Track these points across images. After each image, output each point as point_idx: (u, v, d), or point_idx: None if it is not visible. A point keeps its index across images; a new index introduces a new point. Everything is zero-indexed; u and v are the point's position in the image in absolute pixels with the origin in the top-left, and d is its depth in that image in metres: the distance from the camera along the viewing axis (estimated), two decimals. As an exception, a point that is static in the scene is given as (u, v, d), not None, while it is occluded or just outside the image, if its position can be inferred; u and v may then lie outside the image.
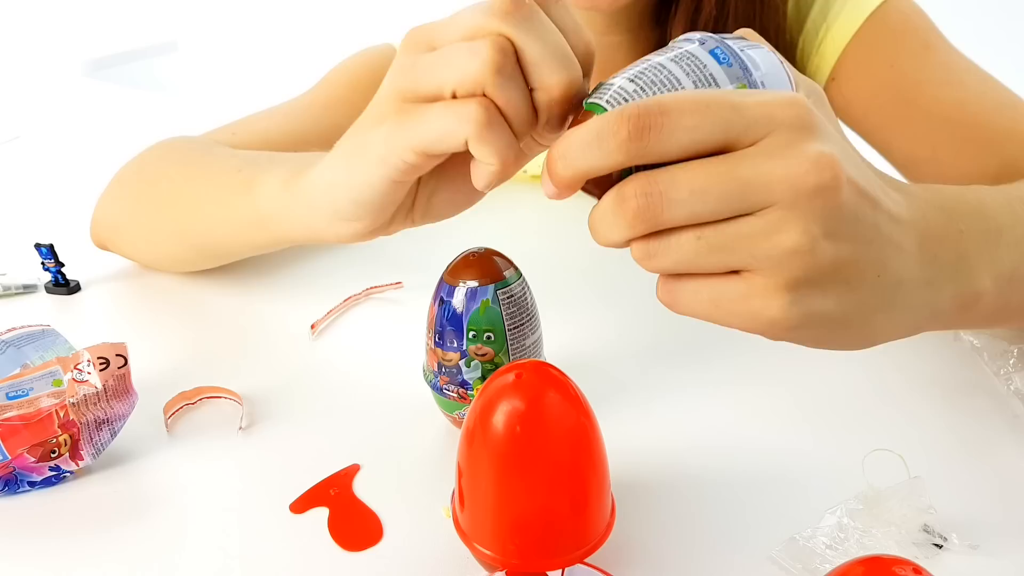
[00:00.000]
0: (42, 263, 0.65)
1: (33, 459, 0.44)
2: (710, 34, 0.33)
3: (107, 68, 1.98)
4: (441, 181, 0.42)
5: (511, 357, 0.44)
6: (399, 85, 0.37)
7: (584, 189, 0.33)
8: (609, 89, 0.32)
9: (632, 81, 0.32)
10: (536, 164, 0.81)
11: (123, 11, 2.49)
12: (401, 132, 0.37)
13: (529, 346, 0.45)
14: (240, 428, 0.50)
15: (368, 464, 0.47)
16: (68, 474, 0.45)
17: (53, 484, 0.45)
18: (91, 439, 0.45)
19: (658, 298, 0.33)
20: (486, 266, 0.44)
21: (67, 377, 0.45)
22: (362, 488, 0.45)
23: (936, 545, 0.39)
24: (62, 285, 0.65)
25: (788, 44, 0.67)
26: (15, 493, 0.45)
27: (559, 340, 0.52)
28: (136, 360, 0.47)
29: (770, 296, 0.30)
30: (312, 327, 0.59)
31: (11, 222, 0.81)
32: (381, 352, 0.57)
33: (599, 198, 0.32)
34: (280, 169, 0.49)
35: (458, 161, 0.40)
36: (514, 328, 0.44)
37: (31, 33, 2.08)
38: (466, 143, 0.34)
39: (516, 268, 0.45)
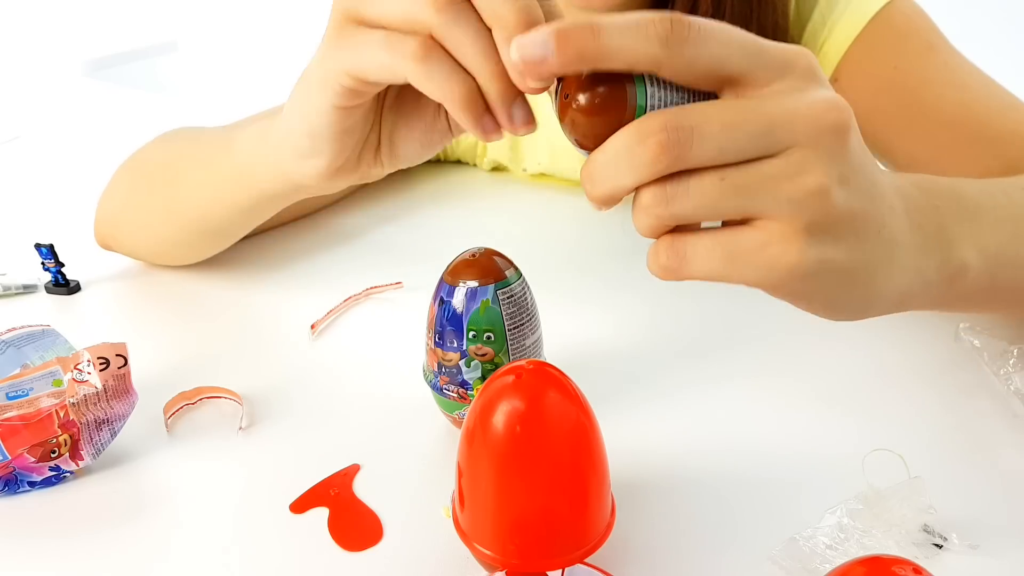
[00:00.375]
0: (42, 263, 0.65)
1: (33, 459, 0.44)
2: None
3: (107, 68, 1.98)
4: (400, 116, 0.42)
5: (511, 357, 0.44)
6: (345, 4, 0.36)
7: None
8: None
9: None
10: (536, 164, 0.81)
11: (123, 11, 2.49)
12: (337, 54, 0.36)
13: (529, 346, 0.45)
14: (240, 428, 0.50)
15: (368, 464, 0.47)
16: (68, 474, 0.45)
17: (53, 484, 0.45)
18: (91, 439, 0.45)
19: (656, 265, 0.32)
20: (486, 266, 0.44)
21: (67, 377, 0.45)
22: (362, 488, 0.45)
23: (936, 545, 0.39)
24: (62, 285, 0.65)
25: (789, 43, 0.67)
26: (15, 493, 0.45)
27: (559, 340, 0.52)
28: (136, 360, 0.47)
29: (788, 241, 0.30)
30: (312, 327, 0.59)
31: (11, 222, 0.81)
32: (381, 352, 0.57)
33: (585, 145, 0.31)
34: (259, 122, 0.48)
35: (415, 95, 0.39)
36: (514, 328, 0.44)
37: (31, 33, 2.08)
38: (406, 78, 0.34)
39: (516, 268, 0.45)
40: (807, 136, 0.29)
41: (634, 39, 0.28)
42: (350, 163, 0.42)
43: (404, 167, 0.44)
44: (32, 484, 0.45)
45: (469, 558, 0.38)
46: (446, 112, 0.41)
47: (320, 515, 0.43)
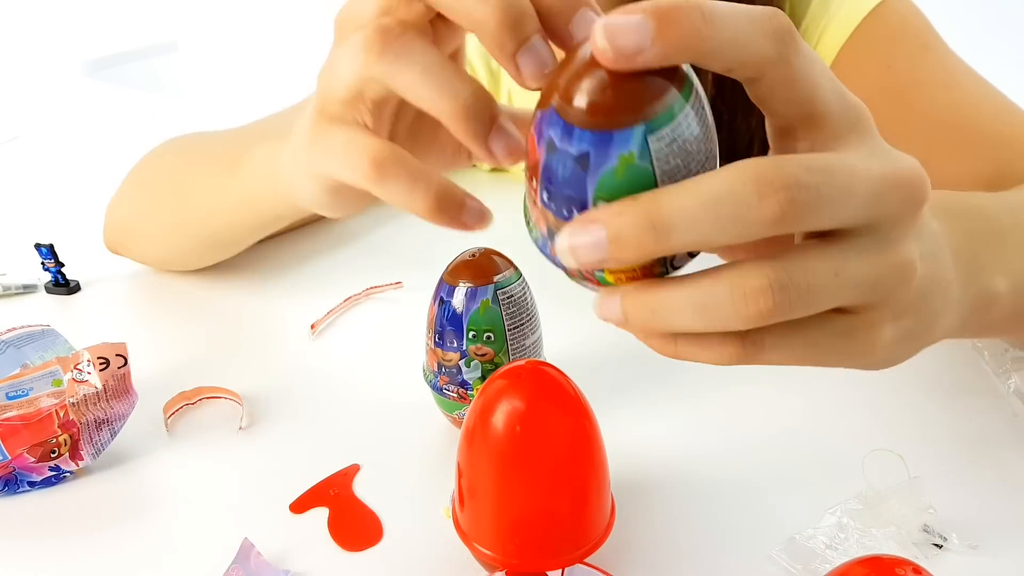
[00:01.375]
0: (42, 263, 0.65)
1: (33, 459, 0.44)
2: None
3: (107, 68, 1.98)
4: (417, 145, 0.39)
5: (511, 357, 0.44)
6: (318, 101, 0.33)
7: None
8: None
9: None
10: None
11: (123, 11, 2.49)
12: (311, 157, 0.34)
13: (529, 346, 0.45)
14: (240, 428, 0.50)
15: (368, 464, 0.47)
16: (68, 474, 0.45)
17: (53, 484, 0.45)
18: (91, 439, 0.45)
19: (723, 355, 0.27)
20: (486, 266, 0.44)
21: (67, 377, 0.45)
22: (362, 488, 0.45)
23: (936, 545, 0.39)
24: (62, 285, 0.65)
25: None
26: (15, 493, 0.45)
27: (559, 340, 0.52)
28: (136, 360, 0.47)
29: (875, 326, 0.28)
30: (312, 327, 0.59)
31: (11, 222, 0.81)
32: (381, 352, 0.57)
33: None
34: (267, 144, 0.46)
35: (431, 126, 0.37)
36: (514, 328, 0.44)
37: (31, 33, 2.08)
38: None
39: (516, 268, 0.45)
40: (899, 212, 0.26)
41: (749, 33, 0.24)
42: (366, 198, 0.38)
43: None
44: (32, 484, 0.45)
45: (469, 558, 0.38)
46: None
47: (320, 515, 0.43)
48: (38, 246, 0.64)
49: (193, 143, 0.64)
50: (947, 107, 0.61)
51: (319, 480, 0.45)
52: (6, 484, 0.45)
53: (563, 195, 0.26)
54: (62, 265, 0.65)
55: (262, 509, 0.44)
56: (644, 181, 0.25)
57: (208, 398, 0.52)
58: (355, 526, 0.42)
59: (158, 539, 0.42)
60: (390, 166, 0.30)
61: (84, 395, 0.44)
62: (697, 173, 0.25)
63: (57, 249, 0.65)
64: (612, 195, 0.25)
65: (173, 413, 0.51)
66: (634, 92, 0.24)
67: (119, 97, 1.27)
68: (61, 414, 0.43)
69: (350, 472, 0.46)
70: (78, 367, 0.45)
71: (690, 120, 0.25)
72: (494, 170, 0.86)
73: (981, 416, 0.49)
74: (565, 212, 0.26)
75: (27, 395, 0.45)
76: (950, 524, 0.40)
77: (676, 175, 0.25)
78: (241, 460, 0.47)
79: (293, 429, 0.50)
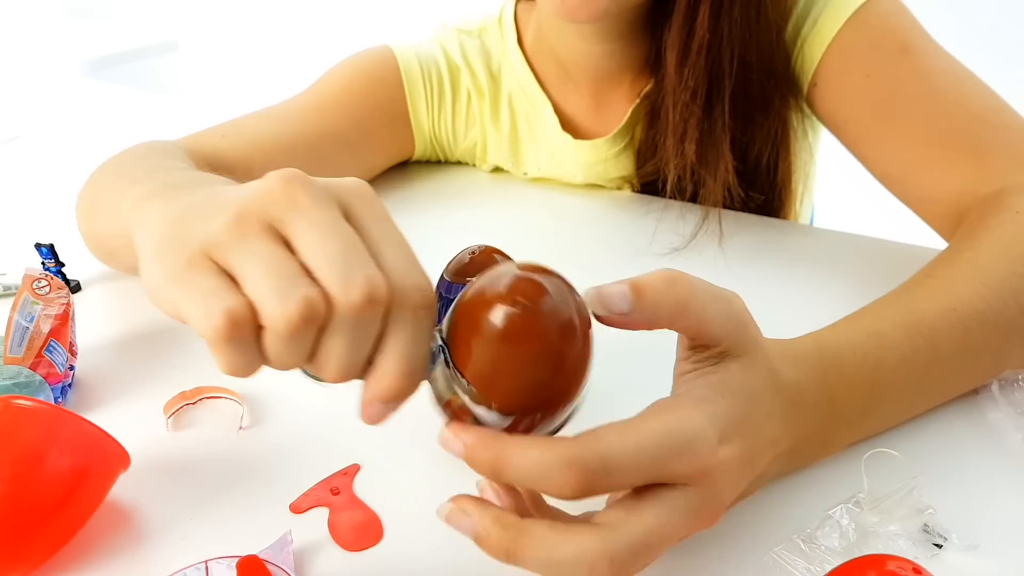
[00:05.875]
0: (42, 263, 0.65)
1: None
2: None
3: (107, 68, 1.98)
4: None
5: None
6: (199, 238, 0.31)
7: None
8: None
9: None
10: (536, 167, 0.81)
11: (123, 11, 2.49)
12: (169, 288, 0.31)
13: (529, 346, 0.45)
14: (240, 428, 0.50)
15: (368, 464, 0.47)
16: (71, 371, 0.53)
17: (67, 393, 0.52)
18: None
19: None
20: (486, 264, 0.44)
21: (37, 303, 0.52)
22: (362, 488, 0.45)
23: (936, 545, 0.39)
24: (62, 285, 0.65)
25: (784, 56, 0.67)
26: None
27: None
28: (136, 360, 0.47)
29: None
30: (312, 327, 0.59)
31: (11, 222, 0.81)
32: (381, 352, 0.57)
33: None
34: (143, 188, 0.40)
35: None
36: (514, 328, 0.44)
37: (31, 33, 2.08)
38: None
39: (516, 268, 0.45)
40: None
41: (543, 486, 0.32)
42: None
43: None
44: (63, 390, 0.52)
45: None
46: None
47: (320, 515, 0.43)
48: (38, 246, 0.64)
49: (138, 160, 0.60)
50: (923, 120, 0.60)
51: (319, 480, 0.45)
52: (62, 391, 0.51)
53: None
54: (62, 265, 0.65)
55: (262, 509, 0.44)
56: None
57: (208, 398, 0.52)
58: (355, 526, 0.42)
59: (158, 539, 0.42)
60: (234, 334, 0.29)
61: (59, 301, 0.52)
62: None
63: (57, 249, 0.65)
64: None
65: (173, 413, 0.51)
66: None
67: (119, 97, 1.27)
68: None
69: (350, 472, 0.46)
70: (36, 287, 0.53)
71: None
72: (496, 170, 0.86)
73: (981, 416, 0.49)
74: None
75: (33, 320, 0.51)
76: (950, 524, 0.40)
77: None
78: (241, 460, 0.47)
79: (293, 429, 0.50)
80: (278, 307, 0.29)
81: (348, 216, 0.31)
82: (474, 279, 0.34)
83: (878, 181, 0.65)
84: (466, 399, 0.33)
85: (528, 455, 0.32)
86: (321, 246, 0.30)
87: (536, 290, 0.31)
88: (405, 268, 0.31)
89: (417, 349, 0.31)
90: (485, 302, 0.31)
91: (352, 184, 0.33)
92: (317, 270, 0.30)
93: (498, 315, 0.31)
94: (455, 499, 0.34)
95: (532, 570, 0.33)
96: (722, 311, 0.36)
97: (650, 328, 0.35)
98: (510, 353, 0.31)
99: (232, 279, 0.30)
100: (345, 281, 0.29)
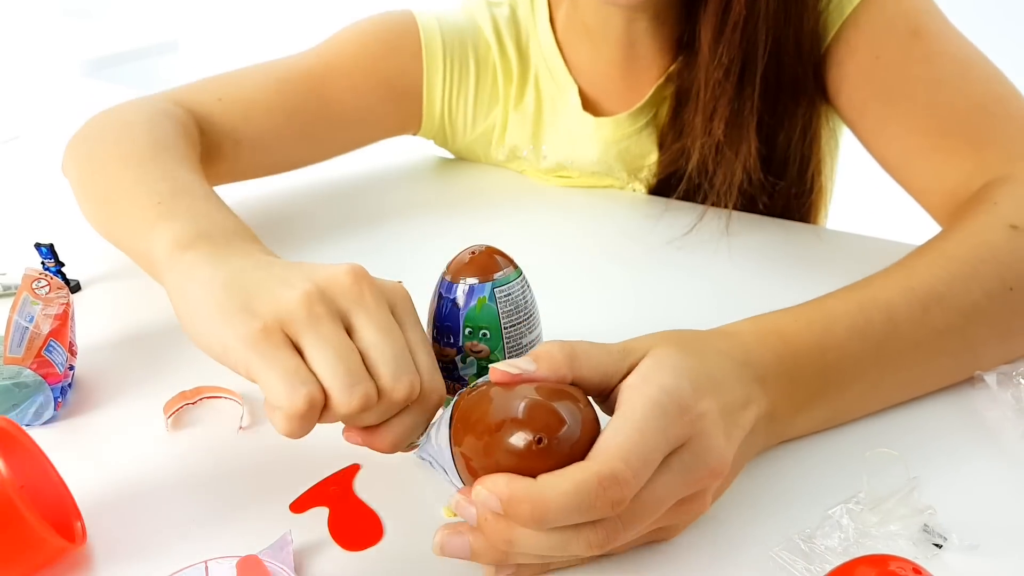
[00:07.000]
0: (42, 263, 0.65)
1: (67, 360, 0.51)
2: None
3: (107, 68, 1.98)
4: None
5: (507, 355, 0.44)
6: (272, 308, 0.39)
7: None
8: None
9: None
10: (554, 150, 0.80)
11: (123, 11, 2.49)
12: (247, 356, 0.37)
13: (526, 344, 0.45)
14: (240, 428, 0.50)
15: (368, 464, 0.47)
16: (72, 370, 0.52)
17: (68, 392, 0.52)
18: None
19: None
20: (485, 264, 0.44)
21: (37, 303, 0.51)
22: (362, 488, 0.45)
23: (936, 545, 0.39)
24: (62, 285, 0.65)
25: (817, 39, 0.66)
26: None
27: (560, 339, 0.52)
28: (136, 360, 0.47)
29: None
30: (312, 327, 0.59)
31: (11, 222, 0.81)
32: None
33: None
34: (176, 226, 0.48)
35: None
36: (511, 326, 0.44)
37: (31, 33, 2.08)
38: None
39: (516, 267, 0.45)
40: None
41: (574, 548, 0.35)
42: None
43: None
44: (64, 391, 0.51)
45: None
46: None
47: (320, 515, 0.43)
48: (38, 246, 0.64)
49: (135, 143, 0.62)
50: (926, 109, 0.60)
51: (319, 480, 0.45)
52: (62, 391, 0.50)
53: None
54: (62, 265, 0.65)
55: (262, 509, 0.44)
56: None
57: (208, 398, 0.52)
58: (355, 526, 0.42)
59: (158, 539, 0.42)
60: (308, 418, 0.37)
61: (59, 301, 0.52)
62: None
63: (57, 249, 0.65)
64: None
65: (173, 413, 0.51)
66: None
67: (119, 97, 1.27)
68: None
69: (350, 472, 0.46)
70: (35, 287, 0.52)
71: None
72: (508, 158, 0.84)
73: (981, 416, 0.49)
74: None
75: (33, 320, 0.50)
76: (950, 524, 0.40)
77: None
78: (241, 460, 0.47)
79: (293, 429, 0.50)
80: (344, 397, 0.36)
81: (392, 314, 0.40)
82: (480, 383, 0.38)
83: (878, 164, 0.65)
84: (453, 479, 0.37)
85: (561, 487, 0.33)
86: (380, 344, 0.38)
87: (556, 423, 0.34)
88: (431, 374, 0.40)
89: (413, 434, 0.40)
90: (501, 425, 0.34)
91: (398, 289, 0.41)
92: (374, 366, 0.38)
93: (518, 439, 0.34)
94: (438, 531, 0.37)
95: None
96: (603, 350, 0.39)
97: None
98: (520, 468, 0.34)
99: (301, 353, 0.37)
100: (395, 381, 0.37)
